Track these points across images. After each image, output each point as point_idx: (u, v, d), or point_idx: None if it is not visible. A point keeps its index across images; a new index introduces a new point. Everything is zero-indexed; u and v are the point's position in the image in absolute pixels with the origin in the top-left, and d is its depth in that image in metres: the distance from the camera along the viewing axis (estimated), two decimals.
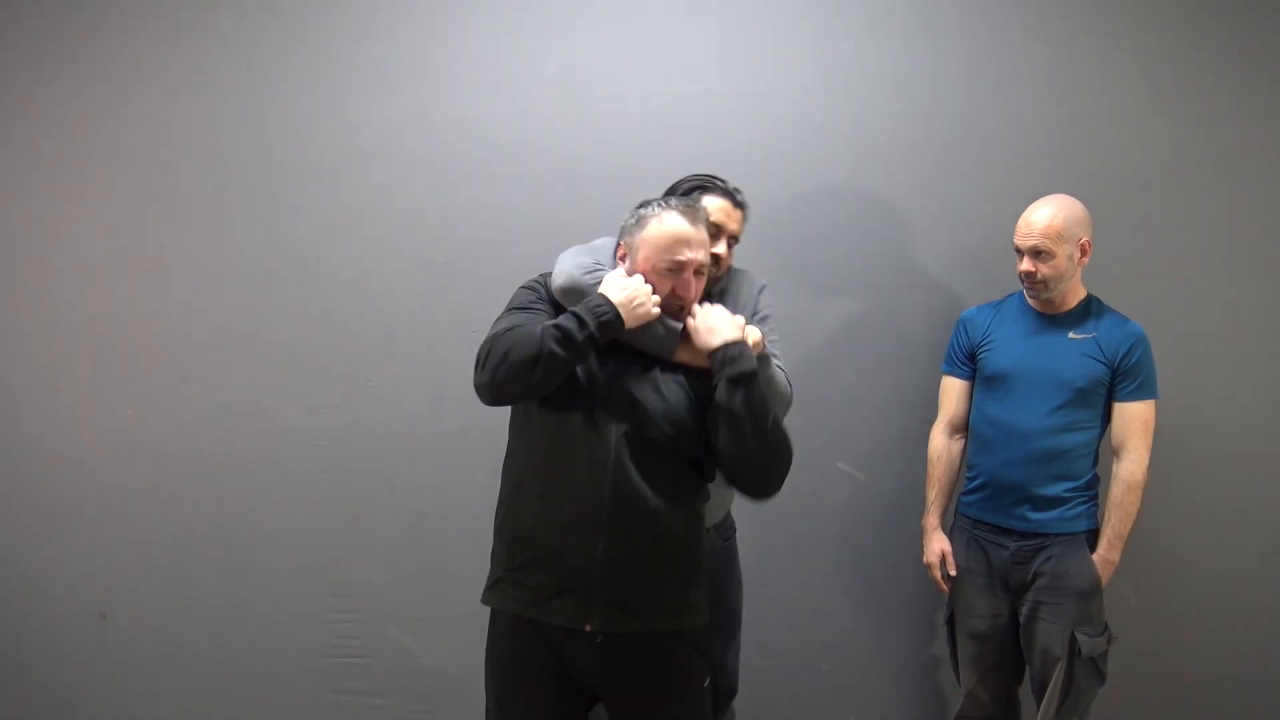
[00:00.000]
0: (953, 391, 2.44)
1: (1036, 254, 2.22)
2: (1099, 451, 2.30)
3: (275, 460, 2.65)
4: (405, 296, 2.63)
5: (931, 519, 2.44)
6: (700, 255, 1.79)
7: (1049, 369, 2.25)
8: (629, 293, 1.73)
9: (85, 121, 2.65)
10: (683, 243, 1.77)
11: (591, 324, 1.69)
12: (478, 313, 2.62)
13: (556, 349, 1.67)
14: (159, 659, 2.70)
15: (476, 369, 1.76)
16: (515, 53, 2.61)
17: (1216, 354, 2.57)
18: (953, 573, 2.38)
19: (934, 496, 2.44)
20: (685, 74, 2.60)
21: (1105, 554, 2.25)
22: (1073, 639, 2.22)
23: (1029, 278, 2.24)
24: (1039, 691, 2.30)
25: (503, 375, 1.71)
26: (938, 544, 2.41)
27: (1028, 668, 2.35)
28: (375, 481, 2.66)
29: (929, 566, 2.43)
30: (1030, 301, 2.33)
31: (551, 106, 2.60)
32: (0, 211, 2.69)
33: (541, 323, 1.72)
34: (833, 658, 2.67)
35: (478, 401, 2.58)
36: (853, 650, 2.67)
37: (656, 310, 1.75)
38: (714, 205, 2.02)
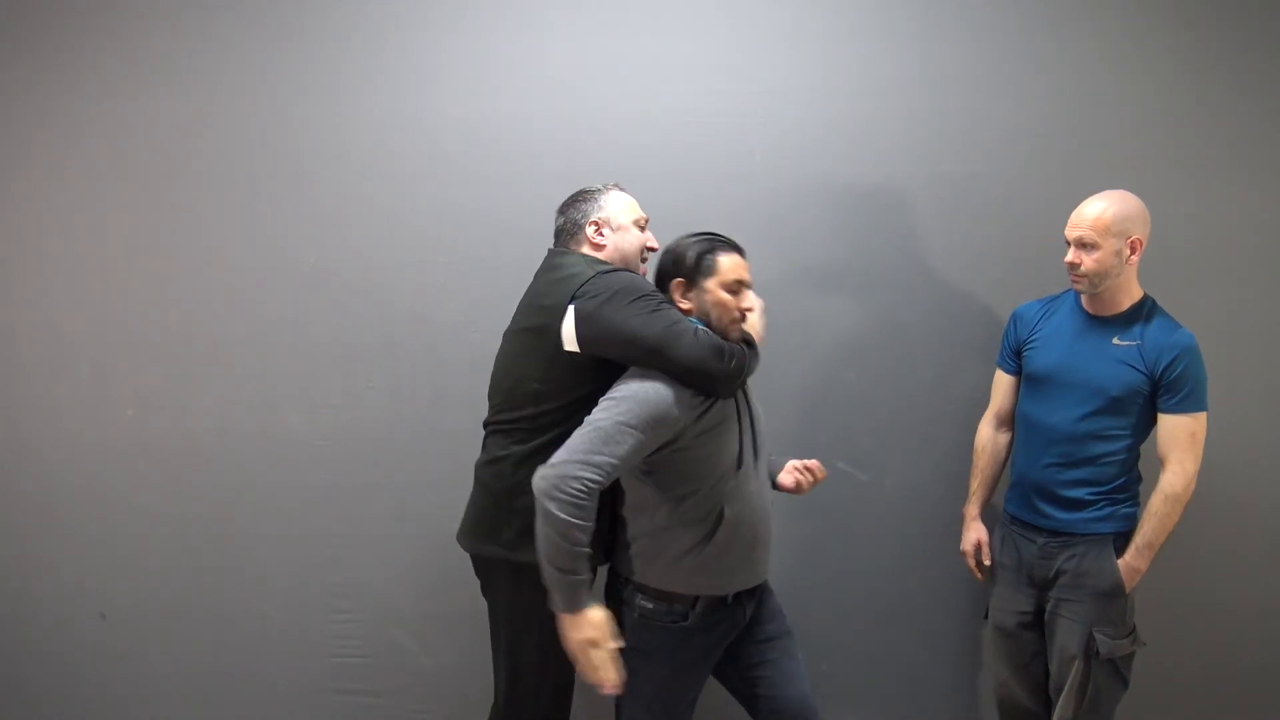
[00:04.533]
0: (1001, 385, 2.44)
1: (1082, 245, 2.17)
2: (1135, 459, 2.25)
3: (275, 460, 2.65)
4: (405, 297, 2.63)
5: (971, 508, 2.45)
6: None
7: (1085, 373, 2.22)
8: None
9: (83, 122, 2.65)
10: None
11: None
12: (477, 313, 2.63)
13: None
14: (159, 659, 2.70)
15: (716, 359, 1.89)
16: (515, 53, 2.61)
17: (1217, 353, 2.57)
18: (987, 561, 2.40)
19: (975, 486, 2.45)
20: (685, 74, 2.60)
21: (1131, 560, 2.20)
22: (1090, 638, 2.20)
23: (1072, 269, 2.20)
24: (1056, 691, 2.28)
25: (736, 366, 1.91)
26: (974, 533, 2.43)
27: (1049, 666, 2.32)
28: (375, 481, 2.66)
29: (964, 554, 2.44)
30: (1083, 301, 2.28)
31: (552, 107, 2.60)
32: None
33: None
34: (833, 657, 2.67)
35: (478, 401, 2.60)
36: (853, 650, 2.67)
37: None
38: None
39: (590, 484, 1.77)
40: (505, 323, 2.59)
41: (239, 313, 2.65)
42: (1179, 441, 2.18)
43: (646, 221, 2.17)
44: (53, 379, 2.68)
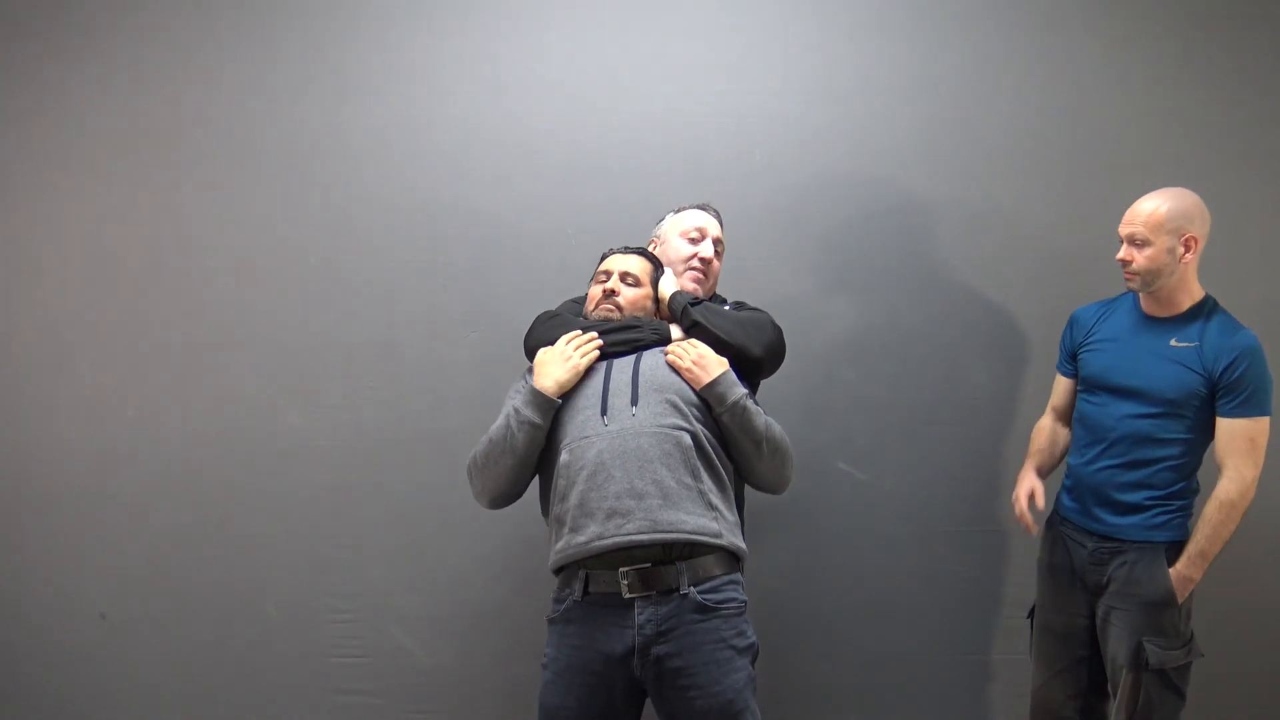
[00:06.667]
0: (1059, 388, 2.36)
1: (1133, 242, 2.10)
2: (1194, 466, 2.15)
3: (275, 460, 2.65)
4: (405, 297, 2.63)
5: (1026, 468, 2.34)
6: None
7: (1142, 376, 2.13)
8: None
9: (85, 122, 2.65)
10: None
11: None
12: (478, 313, 2.63)
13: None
14: (159, 659, 2.70)
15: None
16: (516, 54, 2.61)
17: None
18: (1040, 506, 2.27)
19: (1032, 453, 2.36)
20: (686, 75, 2.60)
21: (1184, 569, 2.09)
22: (1139, 648, 2.10)
23: (1124, 266, 2.13)
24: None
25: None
26: (1028, 482, 2.30)
27: (1106, 674, 2.23)
28: (375, 481, 2.65)
29: (1015, 500, 2.30)
30: (1141, 302, 2.21)
31: (552, 108, 2.60)
32: None
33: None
34: (833, 657, 2.67)
35: (478, 401, 2.61)
36: (853, 650, 2.67)
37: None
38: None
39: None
40: (505, 323, 2.60)
41: (239, 313, 2.65)
42: (1237, 447, 2.07)
43: (702, 234, 2.24)
44: (53, 379, 2.68)
